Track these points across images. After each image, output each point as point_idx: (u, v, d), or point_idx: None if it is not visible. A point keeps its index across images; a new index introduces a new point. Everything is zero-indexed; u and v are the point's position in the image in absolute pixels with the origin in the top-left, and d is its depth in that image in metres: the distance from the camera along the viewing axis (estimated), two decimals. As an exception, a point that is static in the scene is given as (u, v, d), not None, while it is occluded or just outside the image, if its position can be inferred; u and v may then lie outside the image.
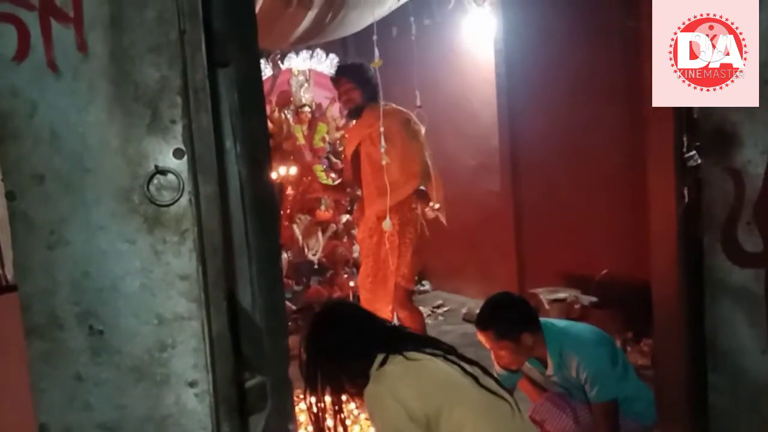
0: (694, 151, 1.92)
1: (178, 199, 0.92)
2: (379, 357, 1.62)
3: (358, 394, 1.67)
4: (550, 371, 2.38)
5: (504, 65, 4.63)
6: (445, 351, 1.72)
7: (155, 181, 0.91)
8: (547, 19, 4.11)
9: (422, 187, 3.42)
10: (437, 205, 3.48)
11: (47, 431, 0.97)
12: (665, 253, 2.21)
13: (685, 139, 2.00)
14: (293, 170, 4.71)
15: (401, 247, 3.47)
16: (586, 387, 2.30)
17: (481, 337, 2.37)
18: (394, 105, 3.59)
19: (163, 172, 0.91)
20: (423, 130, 3.55)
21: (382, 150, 3.27)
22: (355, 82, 3.52)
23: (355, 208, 4.05)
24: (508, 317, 2.30)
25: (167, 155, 0.92)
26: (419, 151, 3.47)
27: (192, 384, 0.95)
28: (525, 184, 4.62)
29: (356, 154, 3.69)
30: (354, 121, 3.74)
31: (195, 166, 0.93)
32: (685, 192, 1.94)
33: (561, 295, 3.94)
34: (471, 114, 4.96)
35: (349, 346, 1.68)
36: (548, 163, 4.33)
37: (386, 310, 3.43)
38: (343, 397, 1.74)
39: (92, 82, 0.92)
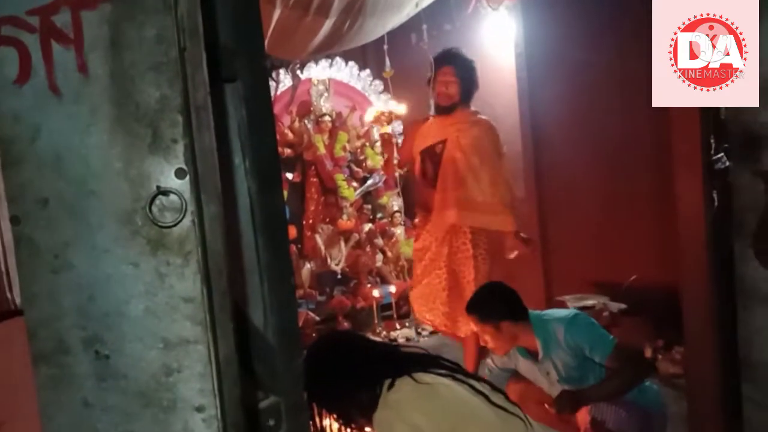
0: (722, 154, 1.86)
1: (181, 220, 0.90)
2: (387, 382, 1.59)
3: (368, 421, 1.64)
4: (541, 353, 2.47)
5: (525, 69, 4.57)
6: (452, 370, 1.68)
7: (157, 202, 0.90)
8: (567, 22, 4.05)
9: (524, 235, 3.25)
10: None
11: (55, 458, 0.96)
12: (694, 260, 2.14)
13: (712, 140, 1.95)
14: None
15: (477, 258, 3.29)
16: (587, 352, 2.38)
17: (470, 320, 2.63)
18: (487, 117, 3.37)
19: (165, 192, 0.89)
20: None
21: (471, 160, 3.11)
22: (458, 75, 3.25)
23: (416, 213, 3.76)
24: (491, 304, 2.54)
25: (169, 175, 0.90)
26: (508, 176, 3.27)
27: (199, 409, 0.93)
28: (549, 189, 4.55)
29: (432, 153, 3.38)
30: (432, 117, 3.41)
31: (198, 185, 0.91)
32: (714, 196, 1.89)
33: (589, 302, 3.87)
34: (493, 119, 4.89)
35: (352, 377, 1.64)
36: (573, 168, 4.26)
37: (467, 325, 3.14)
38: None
39: (94, 104, 0.91)
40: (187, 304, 0.91)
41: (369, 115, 4.20)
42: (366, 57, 5.37)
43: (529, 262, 4.62)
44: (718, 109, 1.83)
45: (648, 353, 3.46)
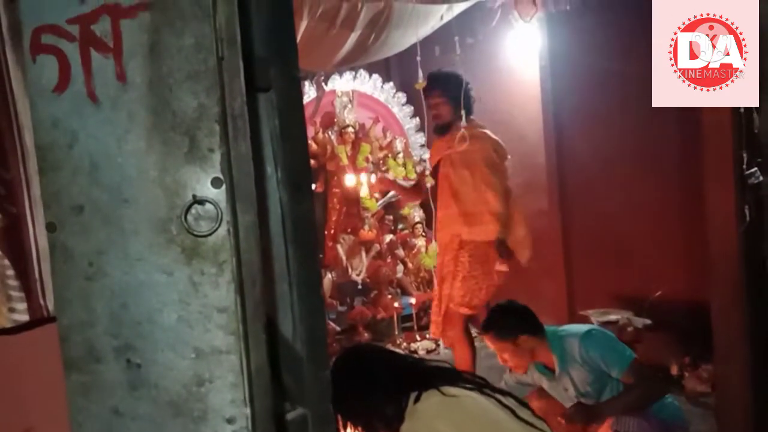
0: (755, 168, 1.82)
1: (216, 229, 0.89)
2: (413, 395, 1.57)
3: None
4: (557, 369, 2.46)
5: (549, 81, 4.55)
6: (479, 385, 1.66)
7: (193, 210, 0.89)
8: (591, 33, 4.03)
9: (502, 237, 3.26)
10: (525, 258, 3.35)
11: (85, 466, 0.95)
12: (726, 275, 2.10)
13: (744, 155, 1.91)
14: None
15: (464, 269, 3.35)
16: (604, 367, 2.36)
17: (486, 341, 2.65)
18: (486, 130, 3.45)
19: (201, 201, 0.89)
20: (508, 162, 3.39)
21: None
22: (447, 95, 3.33)
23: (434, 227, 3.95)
24: (507, 320, 2.56)
25: (205, 184, 0.89)
26: (499, 186, 3.29)
27: (230, 420, 0.92)
28: (573, 202, 4.51)
29: (434, 173, 3.54)
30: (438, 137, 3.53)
31: (234, 195, 0.90)
32: (746, 211, 1.86)
33: (612, 317, 3.82)
34: (517, 131, 4.88)
35: (378, 390, 1.62)
36: (597, 181, 4.22)
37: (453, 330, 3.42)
38: None
39: (131, 112, 0.91)
40: (221, 314, 0.90)
41: None
42: (389, 69, 5.38)
43: (553, 275, 4.57)
44: (751, 122, 1.80)
45: (674, 370, 3.39)
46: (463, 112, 3.28)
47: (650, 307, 3.81)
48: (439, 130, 3.46)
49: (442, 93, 3.35)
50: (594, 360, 2.38)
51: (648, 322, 3.76)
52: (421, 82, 3.35)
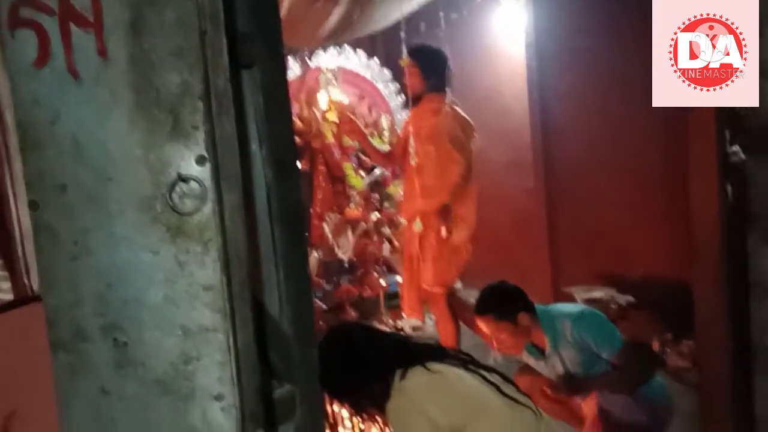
0: (737, 147, 1.84)
1: (202, 207, 0.89)
2: (399, 372, 1.58)
3: (379, 411, 1.64)
4: (548, 348, 2.46)
5: (535, 58, 4.54)
6: (464, 361, 1.68)
7: (177, 189, 0.89)
8: (579, 11, 4.01)
9: (448, 204, 3.29)
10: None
11: (73, 445, 0.95)
12: (707, 253, 2.13)
13: (727, 133, 1.93)
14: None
15: (420, 243, 3.39)
16: (595, 348, 2.36)
17: (480, 323, 2.57)
18: (457, 107, 3.44)
19: (186, 179, 0.88)
20: (474, 143, 3.40)
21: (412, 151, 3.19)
22: (420, 67, 3.33)
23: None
24: (505, 300, 2.51)
25: (189, 162, 0.88)
26: (462, 163, 3.29)
27: (218, 398, 0.92)
28: (558, 180, 4.53)
29: (403, 145, 3.55)
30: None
31: (218, 173, 0.90)
32: (729, 189, 1.87)
33: (596, 294, 3.86)
34: (502, 109, 4.88)
35: (364, 368, 1.64)
36: (582, 159, 4.24)
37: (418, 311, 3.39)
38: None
39: (113, 89, 0.89)
40: (207, 292, 0.90)
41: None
42: (375, 45, 5.33)
43: (537, 252, 4.61)
44: (734, 100, 1.81)
45: (656, 346, 3.45)
46: (431, 85, 3.28)
47: (634, 285, 3.86)
48: (412, 101, 3.48)
49: (416, 64, 3.36)
50: (585, 341, 2.38)
51: (631, 299, 3.81)
52: (405, 59, 3.33)
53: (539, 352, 2.56)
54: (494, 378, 1.65)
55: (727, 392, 1.78)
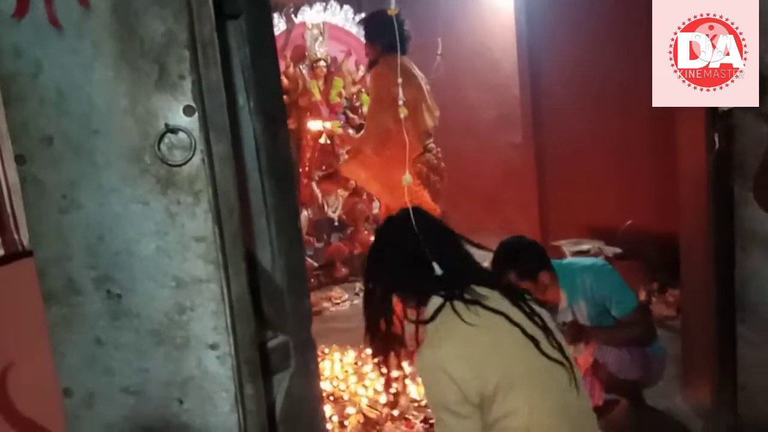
0: (725, 96, 1.84)
1: (190, 158, 0.88)
2: (436, 300, 1.45)
3: (417, 307, 1.47)
4: (563, 304, 2.38)
5: (524, 11, 4.48)
6: (513, 297, 1.46)
7: (166, 140, 0.88)
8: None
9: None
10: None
11: (71, 395, 0.97)
12: (694, 203, 2.14)
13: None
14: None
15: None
16: (608, 304, 2.32)
17: None
18: (410, 64, 3.42)
19: (174, 130, 0.88)
20: (423, 96, 3.39)
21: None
22: (368, 36, 3.40)
23: None
24: (528, 257, 2.31)
25: (177, 113, 0.88)
26: (383, 114, 3.22)
27: (213, 346, 0.94)
28: (547, 134, 4.52)
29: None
30: None
31: (206, 123, 0.89)
32: (716, 139, 1.88)
33: (584, 246, 3.90)
34: (491, 63, 4.82)
35: (415, 258, 1.45)
36: (571, 113, 4.22)
37: None
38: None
39: (96, 39, 0.88)
40: (199, 243, 0.90)
41: None
42: (361, 1, 5.23)
43: (526, 206, 4.63)
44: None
45: (642, 296, 3.50)
46: (383, 48, 3.30)
47: (621, 237, 3.90)
48: (367, 67, 3.57)
49: (366, 36, 3.45)
50: (601, 297, 2.31)
51: (618, 250, 3.85)
52: (393, 8, 3.27)
53: (553, 309, 2.40)
54: (535, 333, 1.44)
55: (709, 337, 1.81)
